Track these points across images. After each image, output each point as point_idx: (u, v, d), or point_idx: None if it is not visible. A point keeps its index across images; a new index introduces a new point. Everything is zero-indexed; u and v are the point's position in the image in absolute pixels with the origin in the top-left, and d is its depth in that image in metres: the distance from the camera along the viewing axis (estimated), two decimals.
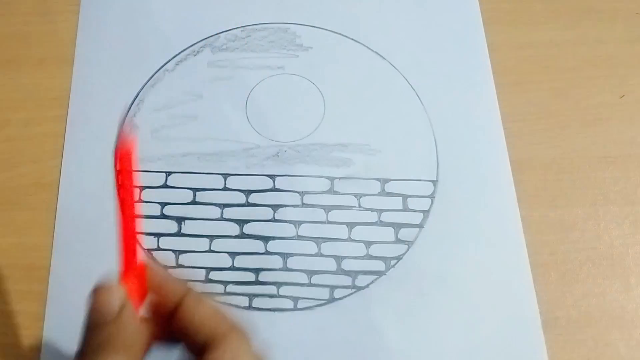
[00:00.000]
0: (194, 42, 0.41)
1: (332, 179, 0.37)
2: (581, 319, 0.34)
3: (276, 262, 0.35)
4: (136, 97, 0.39)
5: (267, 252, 0.36)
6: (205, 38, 0.41)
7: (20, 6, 0.42)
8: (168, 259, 0.35)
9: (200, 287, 0.35)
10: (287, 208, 0.36)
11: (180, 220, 0.36)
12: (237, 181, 0.37)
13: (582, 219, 0.37)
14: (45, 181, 0.37)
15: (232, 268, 0.35)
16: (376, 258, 0.35)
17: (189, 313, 0.24)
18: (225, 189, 0.37)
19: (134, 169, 0.27)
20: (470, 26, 0.42)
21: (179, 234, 0.36)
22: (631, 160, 0.39)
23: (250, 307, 0.34)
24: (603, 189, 0.38)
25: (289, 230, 0.36)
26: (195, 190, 0.37)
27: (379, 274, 0.35)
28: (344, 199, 0.37)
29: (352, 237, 0.36)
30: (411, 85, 0.40)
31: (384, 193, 0.37)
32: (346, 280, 0.35)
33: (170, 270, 0.35)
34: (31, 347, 0.33)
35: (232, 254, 0.35)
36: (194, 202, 0.37)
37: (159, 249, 0.35)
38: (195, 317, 0.24)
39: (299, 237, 0.36)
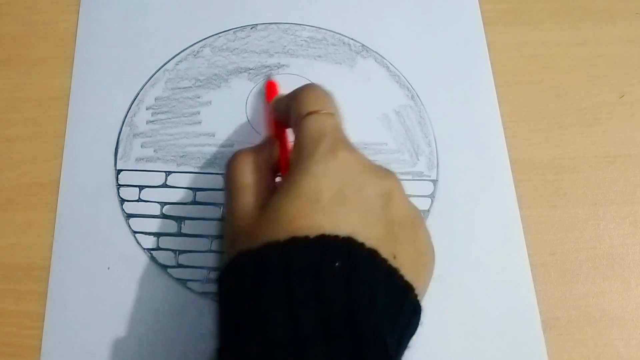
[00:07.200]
0: (194, 42, 0.41)
1: None
2: (581, 319, 0.34)
3: None
4: (136, 97, 0.39)
5: None
6: (205, 38, 0.41)
7: (20, 6, 0.42)
8: (168, 258, 0.35)
9: (199, 287, 0.35)
10: None
11: (180, 220, 0.36)
12: None
13: (582, 219, 0.37)
14: (45, 181, 0.37)
15: None
16: None
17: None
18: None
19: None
20: (470, 26, 0.42)
21: (179, 233, 0.36)
22: (631, 160, 0.39)
23: None
24: (603, 189, 0.38)
25: None
26: (195, 190, 0.37)
27: None
28: None
29: None
30: (411, 85, 0.40)
31: None
32: None
33: None
34: (31, 347, 0.33)
35: None
36: (194, 202, 0.37)
37: (158, 248, 0.35)
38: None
39: None
